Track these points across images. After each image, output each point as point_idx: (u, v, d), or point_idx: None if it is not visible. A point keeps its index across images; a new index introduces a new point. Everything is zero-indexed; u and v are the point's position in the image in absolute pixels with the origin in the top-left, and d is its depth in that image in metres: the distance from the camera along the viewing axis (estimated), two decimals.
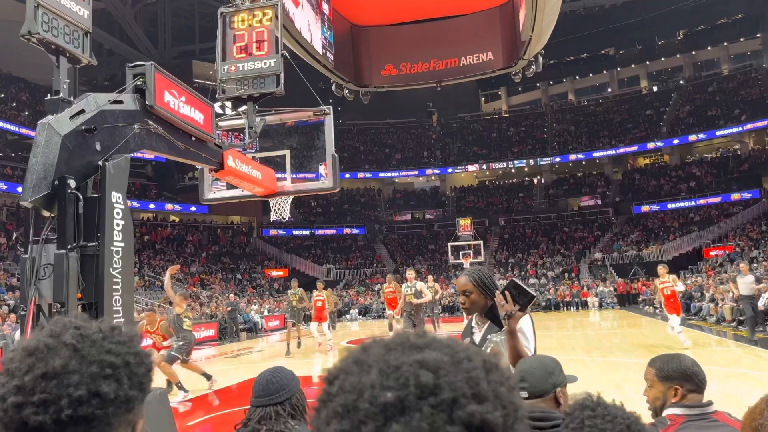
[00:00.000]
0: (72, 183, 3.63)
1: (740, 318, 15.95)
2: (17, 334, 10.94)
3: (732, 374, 9.19)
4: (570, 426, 1.39)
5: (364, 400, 0.54)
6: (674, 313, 12.65)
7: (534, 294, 2.56)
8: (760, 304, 15.22)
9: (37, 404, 0.76)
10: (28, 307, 3.53)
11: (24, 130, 31.28)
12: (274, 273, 37.24)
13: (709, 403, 2.01)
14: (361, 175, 46.69)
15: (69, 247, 3.57)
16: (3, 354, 12.51)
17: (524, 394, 1.99)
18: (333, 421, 0.55)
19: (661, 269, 13.02)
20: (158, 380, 9.12)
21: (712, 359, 11.01)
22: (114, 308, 3.77)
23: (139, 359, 0.85)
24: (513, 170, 47.60)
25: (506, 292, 2.48)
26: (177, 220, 40.04)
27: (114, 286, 3.78)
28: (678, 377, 2.06)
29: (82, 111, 3.89)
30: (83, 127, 3.80)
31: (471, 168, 46.59)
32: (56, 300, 3.48)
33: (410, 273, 12.66)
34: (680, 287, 13.60)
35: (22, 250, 3.78)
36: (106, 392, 0.78)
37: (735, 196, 36.49)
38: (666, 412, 2.02)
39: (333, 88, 17.93)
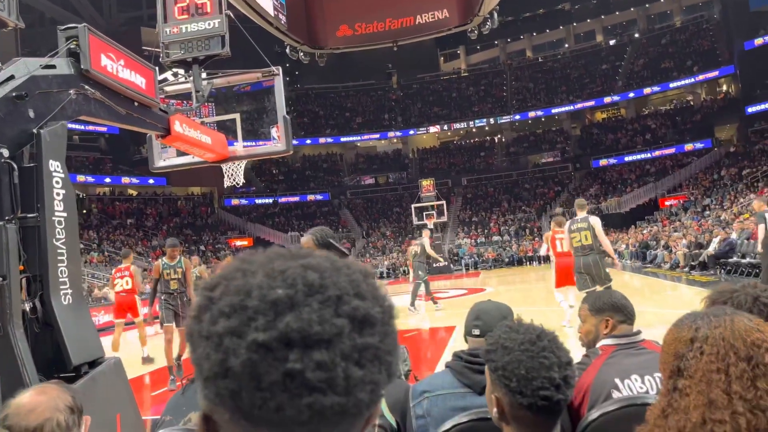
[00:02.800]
0: (5, 152, 3.49)
1: (692, 264, 16.59)
2: None
3: None
4: (488, 341, 1.47)
5: (252, 299, 0.56)
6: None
7: (346, 251, 2.57)
8: (710, 249, 15.84)
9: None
10: None
11: None
12: (239, 243, 36.92)
13: (638, 333, 2.11)
14: (322, 140, 46.21)
15: (7, 218, 3.45)
16: None
17: (476, 331, 2.06)
18: (220, 320, 0.56)
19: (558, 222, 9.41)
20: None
21: (666, 303, 11.47)
22: (60, 279, 3.69)
23: None
24: (474, 130, 47.74)
25: None
26: (135, 193, 39.12)
27: (59, 257, 3.69)
28: (608, 309, 2.16)
29: (12, 77, 3.72)
30: (14, 94, 3.63)
31: (432, 129, 46.56)
32: None
33: None
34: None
35: None
36: None
37: (688, 147, 37.51)
38: (599, 344, 2.12)
39: (287, 51, 17.55)
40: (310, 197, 43.61)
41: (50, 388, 1.61)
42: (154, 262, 9.01)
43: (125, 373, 3.97)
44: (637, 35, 47.48)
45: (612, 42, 48.80)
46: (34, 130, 3.68)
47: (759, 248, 10.30)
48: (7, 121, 3.57)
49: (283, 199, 43.08)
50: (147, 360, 9.80)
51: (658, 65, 42.65)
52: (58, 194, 3.73)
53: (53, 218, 3.66)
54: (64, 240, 3.72)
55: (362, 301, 0.58)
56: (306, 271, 0.59)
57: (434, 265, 13.48)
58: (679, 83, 40.55)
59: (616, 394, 1.86)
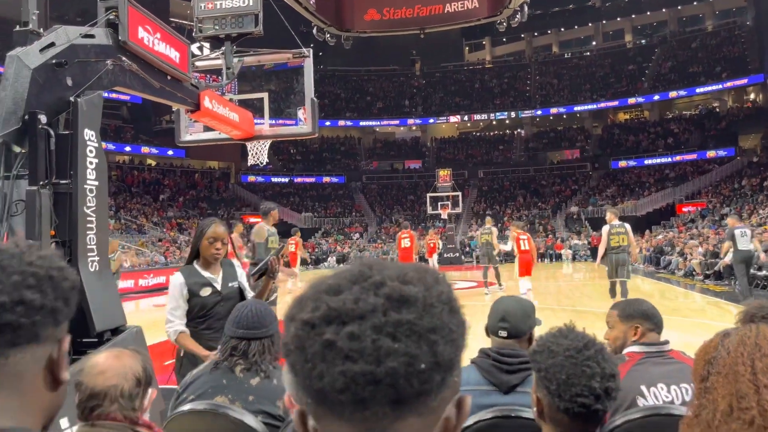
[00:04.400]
0: (43, 118, 3.53)
1: (706, 272, 16.45)
2: None
3: (697, 324, 9.54)
4: (538, 342, 1.49)
5: (310, 290, 0.67)
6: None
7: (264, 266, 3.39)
8: (727, 259, 15.67)
9: None
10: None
11: None
12: (253, 219, 37.10)
13: (666, 342, 2.12)
14: (341, 123, 46.15)
15: (41, 183, 3.51)
16: None
17: (504, 333, 2.07)
18: (288, 311, 0.67)
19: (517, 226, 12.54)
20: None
21: (677, 310, 11.41)
22: (89, 246, 3.75)
23: (62, 274, 0.84)
24: (494, 122, 47.43)
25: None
26: (153, 163, 39.40)
27: (88, 225, 3.75)
28: (639, 316, 2.18)
29: (52, 44, 3.75)
30: (54, 61, 3.67)
31: (452, 119, 46.31)
32: (29, 237, 3.45)
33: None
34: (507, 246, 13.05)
35: None
36: (30, 300, 0.79)
37: (711, 154, 36.99)
38: (626, 351, 2.13)
39: (314, 31, 17.50)
40: (326, 179, 43.68)
41: (126, 355, 1.64)
42: (254, 227, 7.37)
43: (145, 342, 4.05)
44: (666, 37, 46.72)
45: (640, 42, 48.06)
46: (71, 98, 3.73)
47: (726, 260, 12.42)
48: (47, 87, 3.62)
49: (298, 179, 43.19)
50: None
51: (686, 69, 41.99)
52: (91, 163, 3.78)
53: (85, 186, 3.72)
54: (94, 208, 3.78)
55: (404, 285, 0.64)
56: (360, 266, 0.67)
57: (496, 255, 14.42)
58: (706, 89, 39.87)
59: (641, 401, 1.88)
